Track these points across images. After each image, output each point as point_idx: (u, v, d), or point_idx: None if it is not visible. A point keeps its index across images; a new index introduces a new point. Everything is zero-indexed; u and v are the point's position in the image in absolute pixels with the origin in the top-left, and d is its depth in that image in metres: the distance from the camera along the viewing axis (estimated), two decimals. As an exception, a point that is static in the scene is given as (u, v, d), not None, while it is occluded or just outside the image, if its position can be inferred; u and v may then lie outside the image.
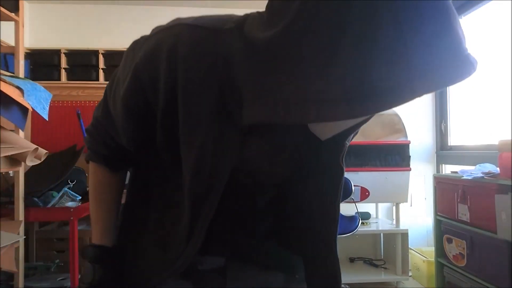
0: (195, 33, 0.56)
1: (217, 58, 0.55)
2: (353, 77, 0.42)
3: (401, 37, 0.41)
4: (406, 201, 2.88)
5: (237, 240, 0.77)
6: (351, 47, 0.42)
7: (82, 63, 2.97)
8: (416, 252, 3.09)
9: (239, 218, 0.76)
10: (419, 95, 0.42)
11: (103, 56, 2.96)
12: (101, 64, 2.95)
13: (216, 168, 0.59)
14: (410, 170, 2.82)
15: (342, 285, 0.95)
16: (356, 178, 2.65)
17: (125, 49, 0.66)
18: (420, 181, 3.37)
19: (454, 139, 3.37)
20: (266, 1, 0.51)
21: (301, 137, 0.65)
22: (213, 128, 0.57)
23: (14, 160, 1.83)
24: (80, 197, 2.25)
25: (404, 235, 2.86)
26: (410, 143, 2.85)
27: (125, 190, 0.81)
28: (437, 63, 0.42)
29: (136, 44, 0.63)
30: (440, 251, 2.56)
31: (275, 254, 0.80)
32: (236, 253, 0.76)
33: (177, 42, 0.56)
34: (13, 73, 1.94)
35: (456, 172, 2.40)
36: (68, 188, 2.21)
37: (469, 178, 2.17)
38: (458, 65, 0.43)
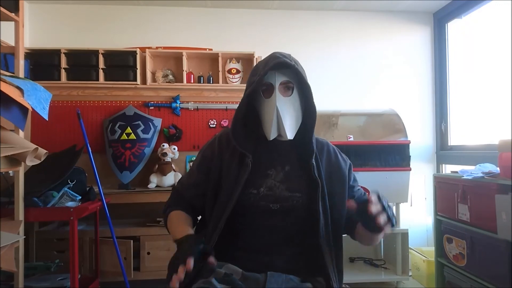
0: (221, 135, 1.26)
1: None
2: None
3: None
4: (406, 201, 2.88)
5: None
6: None
7: (82, 63, 2.96)
8: (416, 252, 3.09)
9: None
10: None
11: (103, 56, 2.95)
12: (101, 64, 2.95)
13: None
14: (410, 170, 2.82)
15: (343, 285, 1.04)
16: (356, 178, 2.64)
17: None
18: (420, 181, 3.37)
19: (454, 139, 3.37)
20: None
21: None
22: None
23: (14, 160, 1.83)
24: (80, 197, 2.25)
25: (404, 235, 2.86)
26: (410, 143, 2.85)
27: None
28: None
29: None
30: (440, 251, 2.56)
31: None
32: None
33: (219, 137, 1.25)
34: (13, 73, 1.93)
35: (456, 172, 2.39)
36: (68, 188, 2.21)
37: (469, 178, 2.17)
38: None
